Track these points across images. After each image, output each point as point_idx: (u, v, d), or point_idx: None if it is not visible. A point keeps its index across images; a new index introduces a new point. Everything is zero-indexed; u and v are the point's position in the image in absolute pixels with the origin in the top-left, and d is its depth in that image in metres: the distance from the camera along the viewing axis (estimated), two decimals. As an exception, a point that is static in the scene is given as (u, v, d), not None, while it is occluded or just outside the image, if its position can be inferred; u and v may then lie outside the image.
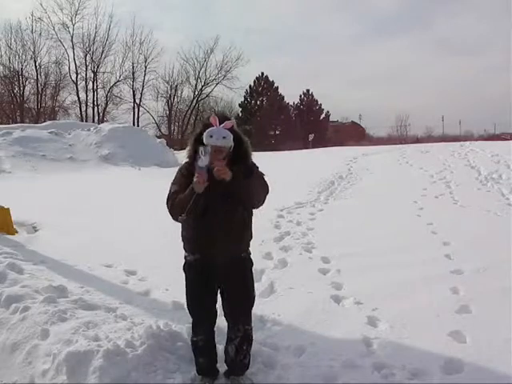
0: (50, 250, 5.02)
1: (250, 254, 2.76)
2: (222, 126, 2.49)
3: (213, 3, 69.41)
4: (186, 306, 2.81)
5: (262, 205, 2.67)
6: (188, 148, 2.68)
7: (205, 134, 2.49)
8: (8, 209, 5.90)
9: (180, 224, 2.68)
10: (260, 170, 2.70)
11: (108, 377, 2.52)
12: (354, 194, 8.96)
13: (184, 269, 2.74)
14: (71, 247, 5.13)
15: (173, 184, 2.70)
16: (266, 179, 2.68)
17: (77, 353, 2.62)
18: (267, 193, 2.67)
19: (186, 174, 2.61)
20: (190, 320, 2.81)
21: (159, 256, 4.74)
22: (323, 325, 3.35)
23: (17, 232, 5.94)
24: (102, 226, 6.16)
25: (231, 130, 2.53)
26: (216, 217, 2.55)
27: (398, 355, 2.90)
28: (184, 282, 2.74)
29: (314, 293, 3.90)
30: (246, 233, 2.70)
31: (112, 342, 2.74)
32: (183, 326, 3.13)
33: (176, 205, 2.58)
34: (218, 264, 2.62)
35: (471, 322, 3.32)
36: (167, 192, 2.68)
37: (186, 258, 2.73)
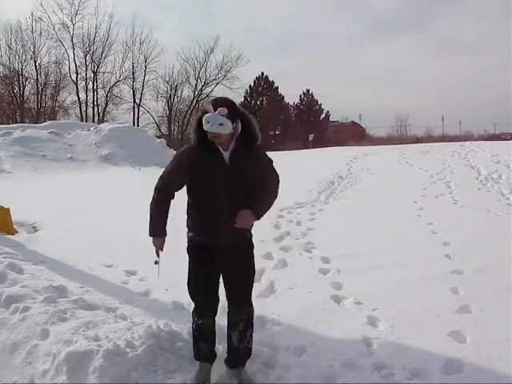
0: (50, 250, 5.02)
1: (252, 236, 2.79)
2: (216, 112, 2.47)
3: (213, 3, 69.48)
4: (188, 291, 2.77)
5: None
6: (191, 131, 2.65)
7: (203, 119, 2.50)
8: (8, 209, 5.90)
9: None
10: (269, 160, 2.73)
11: (108, 377, 2.52)
12: (354, 194, 8.96)
13: (188, 250, 2.74)
14: (71, 247, 5.13)
15: (166, 170, 2.72)
16: (274, 167, 2.74)
17: (77, 353, 2.62)
18: (278, 183, 2.78)
19: (184, 161, 2.62)
20: (190, 320, 2.81)
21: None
22: (323, 325, 3.35)
23: (17, 232, 5.94)
24: (102, 226, 6.15)
25: (235, 114, 2.53)
26: (223, 205, 2.57)
27: (398, 355, 2.90)
28: (185, 270, 2.75)
29: (314, 293, 3.90)
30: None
31: (112, 342, 2.74)
32: (183, 325, 3.12)
33: (151, 207, 2.69)
34: (222, 245, 2.63)
35: (471, 322, 3.32)
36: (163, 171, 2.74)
37: (191, 238, 2.71)
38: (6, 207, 5.90)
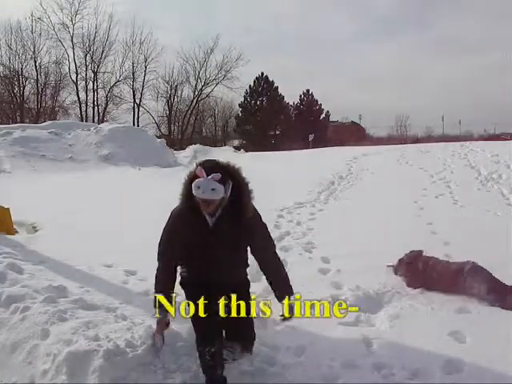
0: (50, 249, 5.01)
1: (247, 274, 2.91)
2: (209, 177, 2.43)
3: (212, 3, 69.46)
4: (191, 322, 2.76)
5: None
6: (182, 194, 2.62)
7: (193, 184, 2.46)
8: (8, 209, 5.90)
9: None
10: (258, 215, 2.72)
11: (108, 377, 2.52)
12: (354, 193, 8.96)
13: (181, 284, 2.79)
14: (71, 247, 5.13)
15: (166, 232, 2.72)
16: (269, 234, 2.78)
17: (77, 353, 2.63)
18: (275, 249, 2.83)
19: (180, 223, 2.65)
20: (196, 354, 2.66)
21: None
22: (323, 325, 3.35)
23: (17, 232, 5.94)
24: (102, 226, 6.15)
25: (227, 177, 2.49)
26: (211, 266, 2.64)
27: (398, 355, 2.90)
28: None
29: (314, 293, 3.89)
30: (245, 268, 2.85)
31: (112, 342, 2.74)
32: (183, 326, 3.12)
33: (156, 279, 2.74)
34: (217, 284, 2.68)
35: (471, 322, 3.32)
36: (160, 237, 2.76)
37: (181, 274, 2.77)
38: (6, 207, 5.90)
